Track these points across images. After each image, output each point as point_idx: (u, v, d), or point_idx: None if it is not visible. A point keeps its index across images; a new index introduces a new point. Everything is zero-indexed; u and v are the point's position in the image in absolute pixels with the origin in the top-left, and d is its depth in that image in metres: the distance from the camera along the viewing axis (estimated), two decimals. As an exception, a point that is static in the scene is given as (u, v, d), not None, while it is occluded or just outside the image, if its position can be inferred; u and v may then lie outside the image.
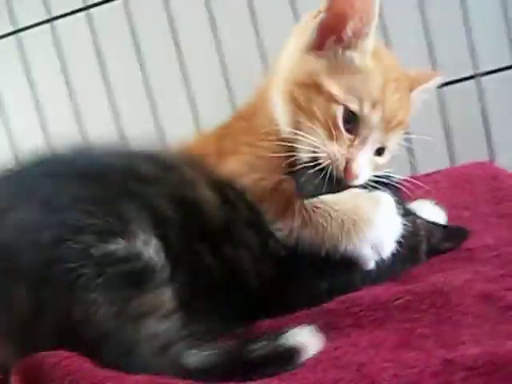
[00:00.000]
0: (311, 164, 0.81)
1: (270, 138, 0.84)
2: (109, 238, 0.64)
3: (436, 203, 1.05)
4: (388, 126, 0.84)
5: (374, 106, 0.81)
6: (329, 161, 0.81)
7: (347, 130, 0.82)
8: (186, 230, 0.73)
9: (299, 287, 0.79)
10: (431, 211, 1.02)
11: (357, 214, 0.78)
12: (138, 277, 0.64)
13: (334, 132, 0.81)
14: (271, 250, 0.80)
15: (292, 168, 0.82)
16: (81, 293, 0.60)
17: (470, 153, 1.51)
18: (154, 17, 1.68)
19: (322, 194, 0.80)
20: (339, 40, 0.83)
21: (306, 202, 0.79)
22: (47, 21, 1.70)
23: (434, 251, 0.90)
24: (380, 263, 0.80)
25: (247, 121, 0.91)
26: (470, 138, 1.57)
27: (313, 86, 0.82)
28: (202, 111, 1.67)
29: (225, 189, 0.81)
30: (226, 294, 0.76)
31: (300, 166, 0.81)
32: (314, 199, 0.80)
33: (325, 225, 0.78)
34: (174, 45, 1.66)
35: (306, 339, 0.67)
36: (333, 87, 0.81)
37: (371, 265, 0.79)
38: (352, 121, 0.82)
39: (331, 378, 0.59)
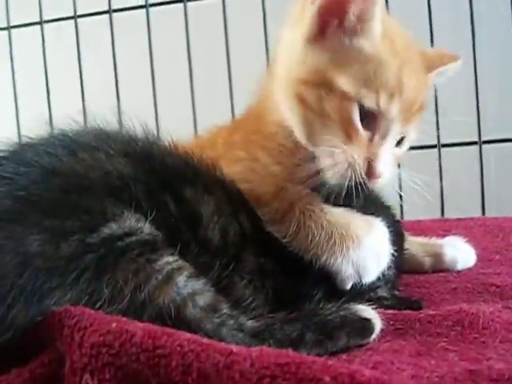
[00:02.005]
0: (332, 171, 0.76)
1: (279, 144, 0.80)
2: (98, 226, 0.59)
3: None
4: (408, 115, 0.77)
5: (391, 96, 0.74)
6: (346, 165, 0.75)
7: (365, 127, 0.75)
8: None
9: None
10: (462, 247, 1.01)
11: (347, 230, 0.74)
12: (148, 245, 0.61)
13: (350, 132, 0.74)
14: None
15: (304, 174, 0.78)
16: (103, 275, 0.58)
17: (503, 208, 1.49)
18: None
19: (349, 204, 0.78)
20: (342, 25, 0.75)
21: (305, 206, 0.76)
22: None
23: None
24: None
25: (257, 120, 0.86)
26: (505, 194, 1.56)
27: (322, 84, 0.74)
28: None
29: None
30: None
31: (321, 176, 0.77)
32: (313, 206, 0.77)
33: (315, 232, 0.75)
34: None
35: (375, 316, 0.67)
36: (344, 83, 0.73)
37: (348, 285, 0.75)
38: (369, 116, 0.75)
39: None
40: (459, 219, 1.37)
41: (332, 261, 0.74)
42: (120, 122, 0.77)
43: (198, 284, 0.61)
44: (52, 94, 1.75)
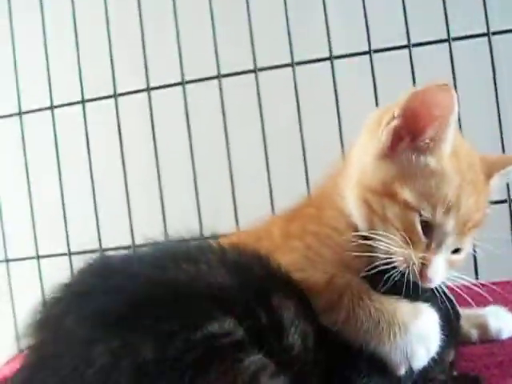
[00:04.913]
0: (387, 266, 0.80)
1: (339, 233, 0.85)
2: (204, 323, 0.64)
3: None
4: (463, 229, 0.82)
5: (447, 211, 0.79)
6: (404, 265, 0.79)
7: (423, 234, 0.81)
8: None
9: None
10: (505, 318, 1.00)
11: (394, 317, 0.76)
12: (238, 345, 0.64)
13: (410, 236, 0.80)
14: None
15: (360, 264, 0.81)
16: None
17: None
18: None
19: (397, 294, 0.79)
20: (412, 144, 0.82)
21: (354, 295, 0.78)
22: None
23: None
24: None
25: (316, 209, 0.91)
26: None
27: (387, 195, 0.81)
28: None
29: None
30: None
31: (377, 265, 0.80)
32: (362, 294, 0.78)
33: (363, 320, 0.76)
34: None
35: None
36: (407, 195, 0.80)
37: (400, 371, 0.75)
38: (427, 225, 0.80)
39: None
40: (494, 283, 1.30)
41: (380, 348, 0.75)
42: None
43: (279, 382, 0.64)
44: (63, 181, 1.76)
